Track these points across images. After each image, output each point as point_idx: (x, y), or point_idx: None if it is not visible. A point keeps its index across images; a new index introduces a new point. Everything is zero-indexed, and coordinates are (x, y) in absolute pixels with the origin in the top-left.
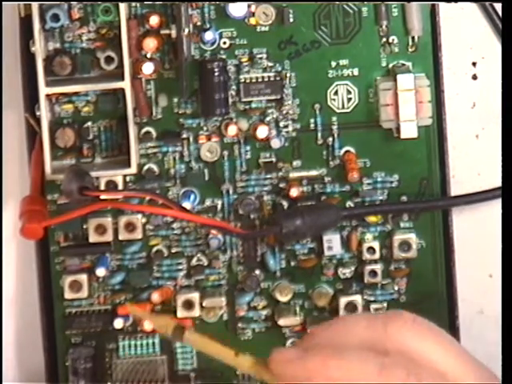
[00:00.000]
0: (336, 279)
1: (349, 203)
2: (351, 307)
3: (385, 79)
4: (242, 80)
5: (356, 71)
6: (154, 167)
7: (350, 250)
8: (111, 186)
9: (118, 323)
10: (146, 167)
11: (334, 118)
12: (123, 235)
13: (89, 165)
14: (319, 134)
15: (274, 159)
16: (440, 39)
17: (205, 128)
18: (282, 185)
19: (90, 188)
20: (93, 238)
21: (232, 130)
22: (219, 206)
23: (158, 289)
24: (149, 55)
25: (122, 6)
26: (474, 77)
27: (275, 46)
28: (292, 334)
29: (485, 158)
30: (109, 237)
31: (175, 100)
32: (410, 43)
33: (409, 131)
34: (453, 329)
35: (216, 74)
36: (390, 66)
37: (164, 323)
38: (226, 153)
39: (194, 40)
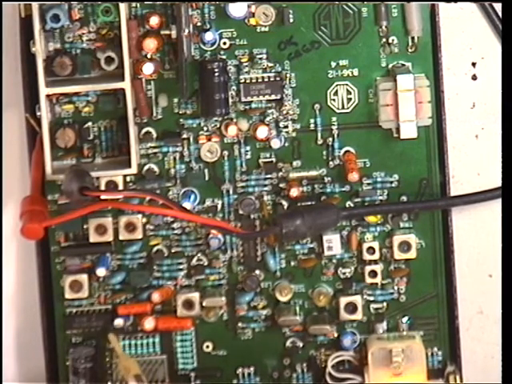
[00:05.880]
0: (336, 279)
1: (349, 203)
2: (351, 307)
3: (385, 79)
4: (242, 80)
5: (356, 71)
6: (155, 167)
7: (350, 250)
8: (111, 186)
9: (119, 323)
10: (146, 167)
11: (334, 118)
12: (123, 235)
13: (89, 165)
14: (319, 134)
15: (273, 159)
16: (440, 39)
17: (205, 128)
18: (282, 185)
19: (90, 188)
20: (93, 237)
21: (232, 131)
22: (219, 206)
23: (158, 288)
24: (149, 56)
25: (122, 7)
26: (474, 77)
27: (275, 47)
28: (292, 333)
29: (484, 158)
30: (109, 237)
31: (175, 100)
32: (410, 43)
33: (408, 131)
34: (453, 329)
35: (216, 74)
36: (390, 66)
37: (129, 366)
38: (226, 153)
39: (194, 40)
